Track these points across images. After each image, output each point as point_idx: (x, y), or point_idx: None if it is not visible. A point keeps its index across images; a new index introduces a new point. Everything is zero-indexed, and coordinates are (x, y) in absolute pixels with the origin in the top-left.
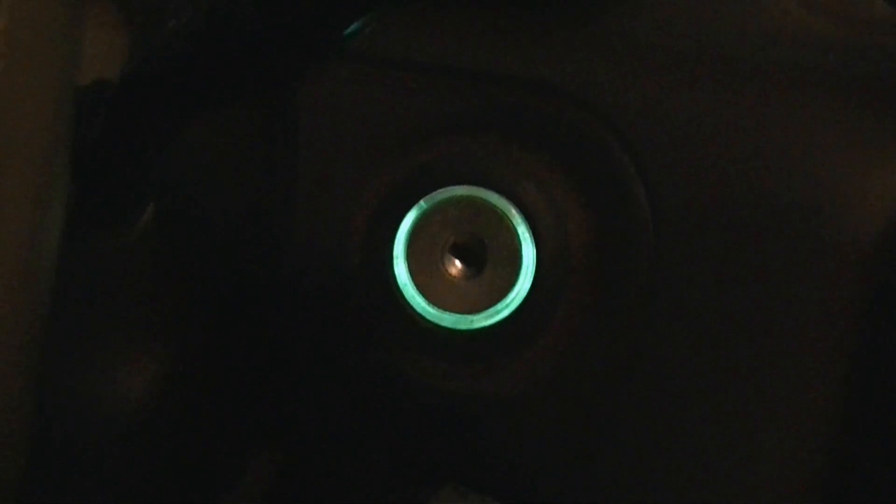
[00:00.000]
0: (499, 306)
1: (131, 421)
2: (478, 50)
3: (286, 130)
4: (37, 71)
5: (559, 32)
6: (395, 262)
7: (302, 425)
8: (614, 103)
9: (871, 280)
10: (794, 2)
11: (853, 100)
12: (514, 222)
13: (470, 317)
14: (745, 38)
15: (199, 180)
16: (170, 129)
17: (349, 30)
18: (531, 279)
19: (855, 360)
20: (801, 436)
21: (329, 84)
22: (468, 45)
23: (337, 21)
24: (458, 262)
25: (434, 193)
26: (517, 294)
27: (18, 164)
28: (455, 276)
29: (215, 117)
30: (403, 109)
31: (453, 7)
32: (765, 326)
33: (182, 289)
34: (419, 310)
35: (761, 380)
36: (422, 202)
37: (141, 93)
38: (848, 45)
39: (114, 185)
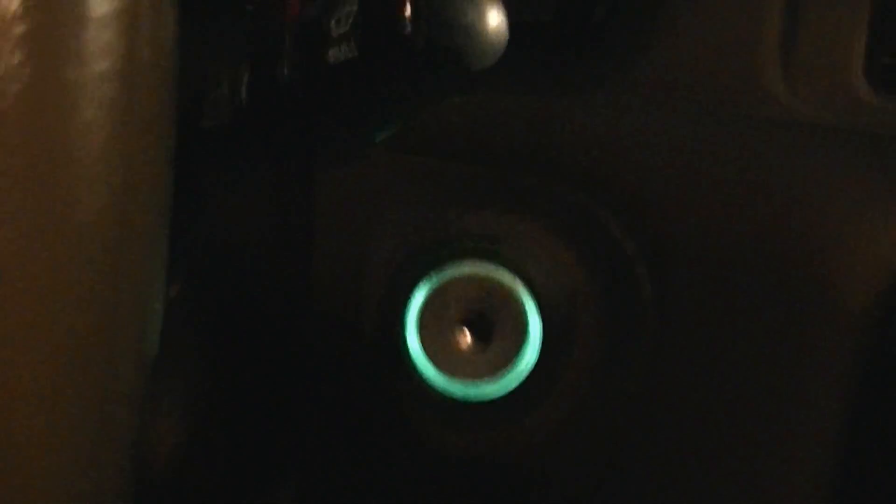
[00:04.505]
0: (506, 377)
1: (161, 463)
2: (493, 137)
3: (306, 202)
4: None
5: (569, 120)
6: (407, 332)
7: (320, 481)
8: (618, 189)
9: (872, 331)
10: (783, 88)
11: (848, 175)
12: (522, 298)
13: (478, 386)
14: (738, 122)
15: (222, 247)
16: (195, 202)
17: (380, 137)
18: (538, 352)
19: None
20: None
21: (350, 162)
22: (484, 133)
23: (367, 132)
24: (467, 334)
25: (445, 268)
26: (524, 366)
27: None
28: (465, 348)
29: (236, 187)
30: (421, 187)
31: (470, 101)
32: (766, 394)
33: (204, 345)
34: (430, 379)
35: (761, 447)
36: (433, 276)
37: None
38: (834, 128)
39: None
